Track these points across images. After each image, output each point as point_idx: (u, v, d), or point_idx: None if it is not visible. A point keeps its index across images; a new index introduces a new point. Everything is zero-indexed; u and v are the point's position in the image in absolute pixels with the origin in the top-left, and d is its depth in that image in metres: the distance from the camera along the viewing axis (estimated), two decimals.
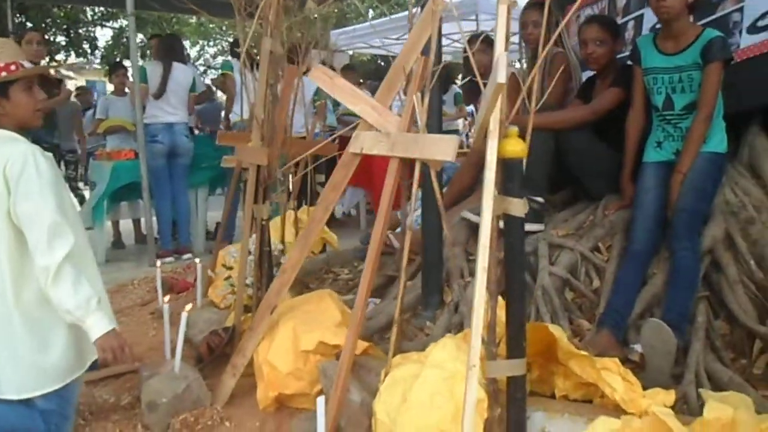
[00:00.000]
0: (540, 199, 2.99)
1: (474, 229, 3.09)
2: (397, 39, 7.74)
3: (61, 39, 11.69)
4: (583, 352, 1.98)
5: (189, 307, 2.43)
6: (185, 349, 3.08)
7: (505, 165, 1.85)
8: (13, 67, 2.06)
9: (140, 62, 5.86)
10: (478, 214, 3.02)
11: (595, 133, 3.16)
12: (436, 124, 2.81)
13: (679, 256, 2.50)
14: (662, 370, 2.21)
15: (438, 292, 2.88)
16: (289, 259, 2.40)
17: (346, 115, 6.26)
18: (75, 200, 1.91)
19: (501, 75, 1.59)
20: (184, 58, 5.51)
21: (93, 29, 11.79)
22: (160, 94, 5.16)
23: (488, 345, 1.94)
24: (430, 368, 2.01)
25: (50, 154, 2.13)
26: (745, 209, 2.73)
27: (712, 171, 2.71)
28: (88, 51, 12.15)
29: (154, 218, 5.37)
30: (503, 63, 1.61)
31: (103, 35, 13.09)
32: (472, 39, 3.81)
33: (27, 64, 2.13)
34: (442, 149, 1.93)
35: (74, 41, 11.66)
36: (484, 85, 3.62)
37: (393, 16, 7.99)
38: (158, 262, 3.51)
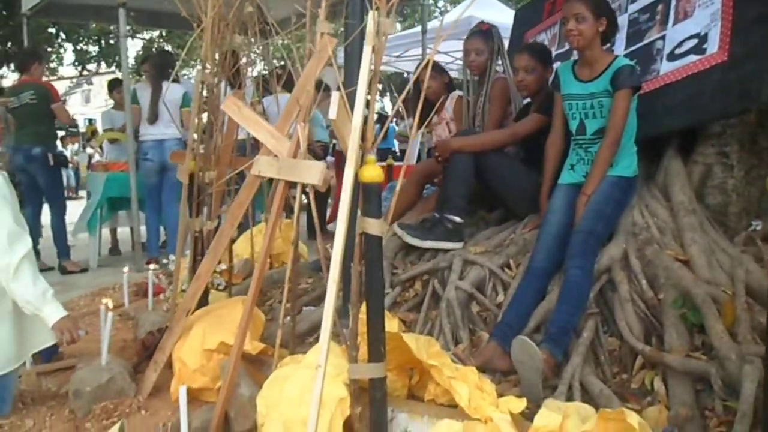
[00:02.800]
0: (457, 219, 3.14)
1: (403, 244, 3.27)
2: (398, 56, 7.97)
3: (93, 49, 12.28)
4: (433, 362, 2.15)
5: (111, 305, 2.68)
6: (133, 346, 3.38)
7: (364, 189, 2.03)
8: None
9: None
10: (409, 229, 3.23)
11: (525, 156, 3.33)
12: None
13: (570, 274, 2.63)
14: (533, 383, 2.34)
15: None
16: (201, 267, 2.64)
17: None
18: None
19: (332, 111, 1.79)
20: (176, 76, 5.79)
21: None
22: (153, 119, 5.44)
23: (350, 349, 2.15)
24: (303, 368, 2.20)
25: (5, 173, 2.47)
26: (647, 230, 2.85)
27: (615, 194, 2.83)
28: (118, 61, 12.68)
29: (144, 227, 5.65)
30: (335, 100, 1.80)
31: (134, 45, 13.66)
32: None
33: None
34: (311, 174, 2.14)
35: (105, 52, 12.22)
36: (432, 107, 3.82)
37: (398, 34, 8.23)
38: (125, 269, 3.77)
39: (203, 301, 3.06)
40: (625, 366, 2.58)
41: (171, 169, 5.57)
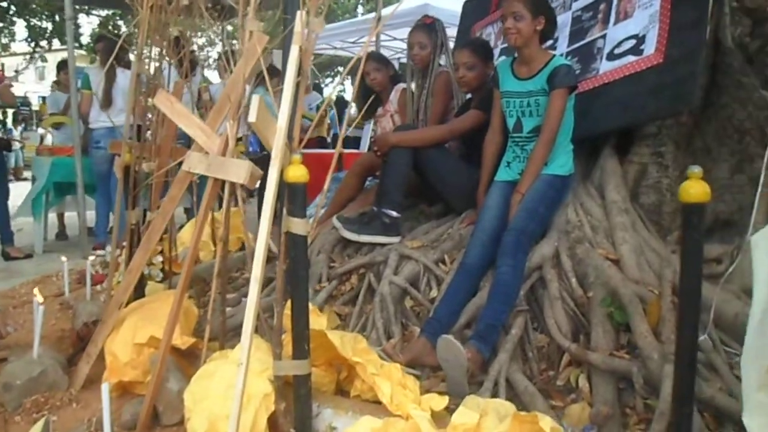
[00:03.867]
0: (394, 213, 3.16)
1: (341, 237, 3.28)
2: (354, 42, 7.94)
3: (47, 25, 11.99)
4: (358, 359, 2.17)
5: (41, 298, 2.65)
6: (71, 338, 3.35)
7: (289, 188, 2.03)
8: None
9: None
10: (346, 223, 3.23)
11: (465, 152, 3.35)
12: None
13: (500, 272, 2.66)
14: (459, 381, 2.37)
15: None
16: (133, 260, 2.62)
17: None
18: None
19: (252, 115, 1.78)
20: (128, 61, 5.66)
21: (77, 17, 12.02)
22: (106, 105, 5.31)
23: (274, 346, 2.16)
24: (229, 364, 2.21)
25: None
26: (580, 229, 2.89)
27: (549, 193, 2.87)
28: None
29: (91, 212, 5.55)
30: (256, 103, 1.80)
31: (90, 23, 13.39)
32: (368, 56, 3.95)
33: None
34: (238, 173, 2.14)
35: (58, 28, 11.94)
36: (380, 99, 3.82)
37: (351, 20, 8.19)
38: (63, 258, 3.70)
39: (139, 293, 3.05)
40: (553, 363, 2.62)
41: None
